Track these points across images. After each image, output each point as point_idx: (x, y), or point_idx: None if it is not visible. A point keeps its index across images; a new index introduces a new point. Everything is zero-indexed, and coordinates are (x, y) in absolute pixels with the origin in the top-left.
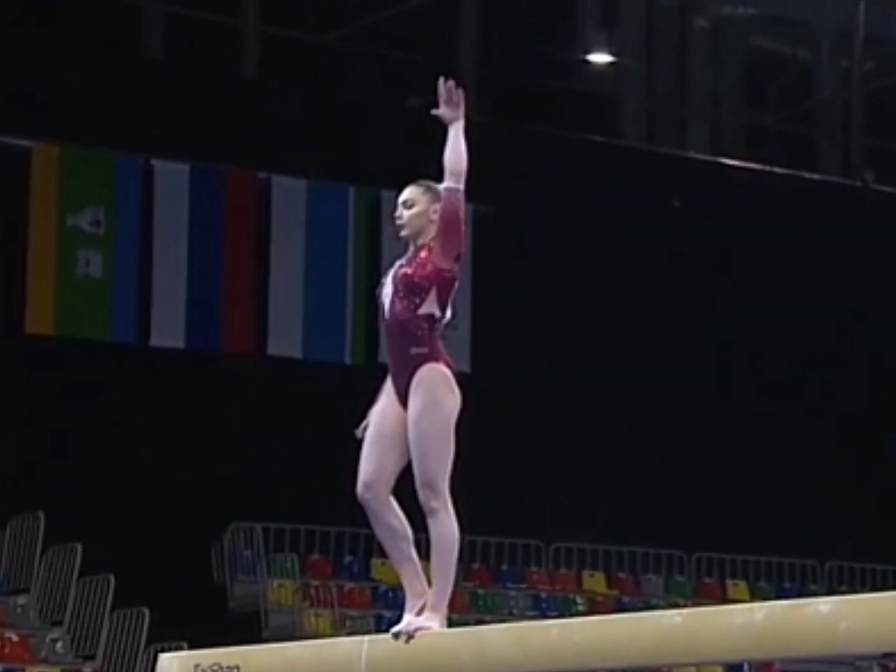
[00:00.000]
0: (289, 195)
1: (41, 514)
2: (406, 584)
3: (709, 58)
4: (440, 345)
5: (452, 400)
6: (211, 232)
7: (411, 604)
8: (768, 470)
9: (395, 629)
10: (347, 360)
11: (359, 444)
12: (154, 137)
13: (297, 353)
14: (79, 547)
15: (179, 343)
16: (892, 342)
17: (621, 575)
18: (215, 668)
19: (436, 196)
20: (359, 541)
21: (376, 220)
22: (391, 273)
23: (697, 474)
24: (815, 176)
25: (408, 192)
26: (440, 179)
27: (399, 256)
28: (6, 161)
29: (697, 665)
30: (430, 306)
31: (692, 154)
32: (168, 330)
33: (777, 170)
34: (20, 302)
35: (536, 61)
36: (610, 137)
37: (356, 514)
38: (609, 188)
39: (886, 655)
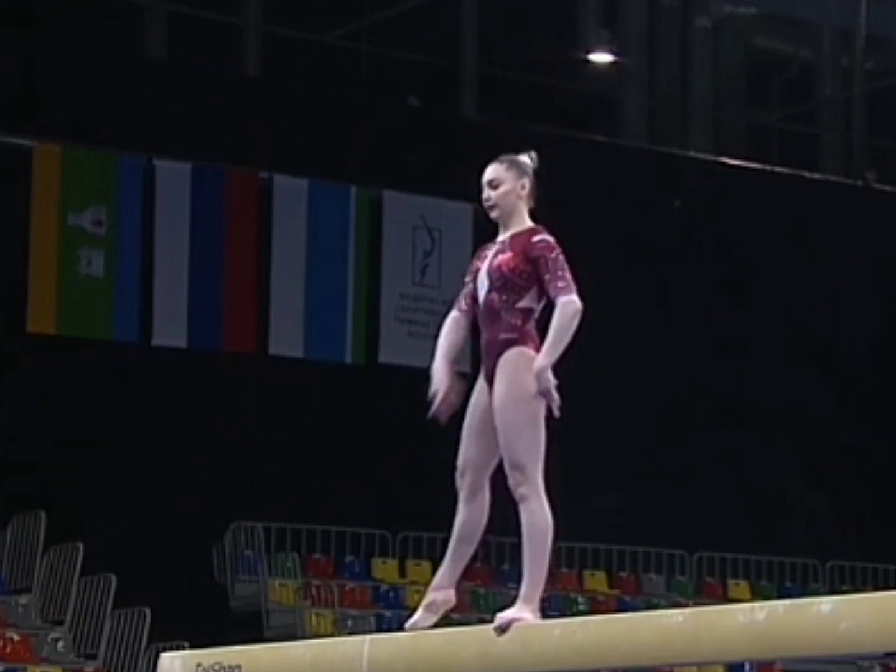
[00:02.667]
0: (290, 194)
1: (42, 514)
2: (439, 572)
3: (710, 57)
4: (532, 330)
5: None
6: (212, 231)
7: (433, 585)
8: (770, 469)
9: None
10: (348, 359)
11: (360, 443)
12: (156, 137)
13: (299, 353)
14: (80, 546)
15: (181, 342)
16: (894, 341)
17: (623, 574)
18: (217, 667)
19: (521, 171)
20: (360, 540)
21: (377, 219)
22: (486, 261)
23: (699, 473)
24: (817, 175)
25: (491, 171)
26: (439, 179)
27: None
28: (8, 160)
29: (699, 664)
30: (528, 301)
31: (693, 153)
32: (170, 329)
33: (778, 169)
34: (22, 301)
35: (537, 61)
36: (611, 137)
37: (357, 513)
38: (610, 188)
39: (888, 655)
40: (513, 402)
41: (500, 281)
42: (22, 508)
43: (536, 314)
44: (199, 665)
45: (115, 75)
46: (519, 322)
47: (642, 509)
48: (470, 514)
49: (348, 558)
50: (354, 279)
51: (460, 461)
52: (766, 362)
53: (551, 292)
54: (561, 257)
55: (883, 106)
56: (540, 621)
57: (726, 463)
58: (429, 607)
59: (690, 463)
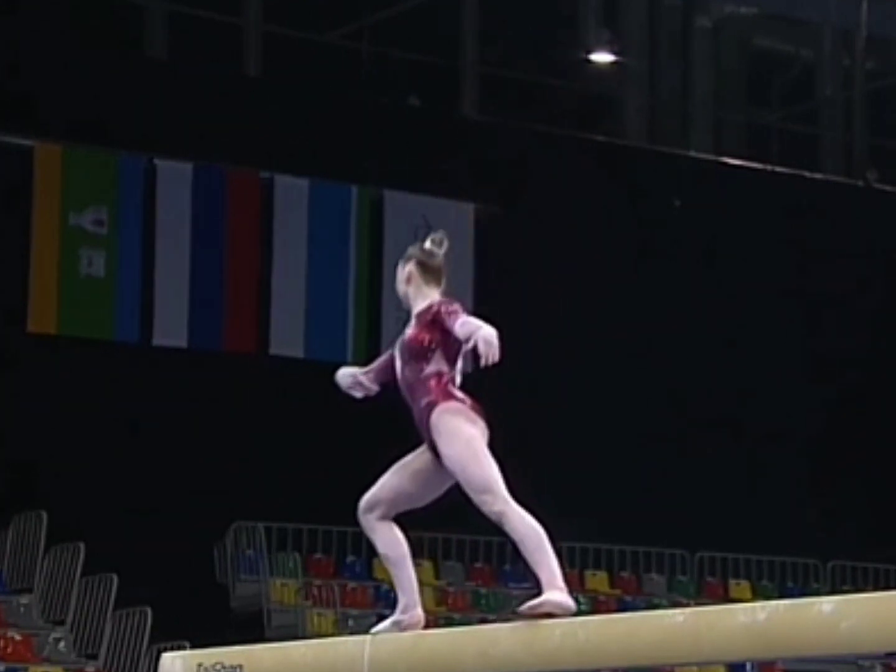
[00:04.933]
0: (291, 194)
1: (44, 514)
2: (400, 600)
3: (710, 57)
4: (451, 390)
5: (473, 427)
6: (213, 231)
7: (400, 607)
8: (771, 469)
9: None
10: (349, 359)
11: (361, 442)
12: (156, 136)
13: (299, 353)
14: (81, 546)
15: (182, 342)
16: (894, 342)
17: (624, 574)
18: (218, 667)
19: (404, 261)
20: (361, 540)
21: (378, 219)
22: (401, 338)
23: (700, 473)
24: (817, 175)
25: None
26: (439, 179)
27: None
28: (9, 160)
29: (700, 664)
30: (436, 366)
31: (693, 153)
32: (171, 329)
33: (779, 169)
34: (23, 301)
35: (538, 60)
36: (611, 137)
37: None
38: (610, 187)
39: (888, 655)
40: (458, 447)
41: (408, 353)
42: (23, 508)
43: (449, 376)
44: (200, 665)
45: (115, 75)
46: (432, 384)
47: (643, 509)
48: (387, 539)
49: (349, 558)
50: (355, 279)
51: (372, 497)
52: (766, 362)
53: (450, 328)
54: (454, 305)
55: (883, 106)
56: (569, 599)
57: (727, 463)
58: (397, 624)
59: (691, 463)
